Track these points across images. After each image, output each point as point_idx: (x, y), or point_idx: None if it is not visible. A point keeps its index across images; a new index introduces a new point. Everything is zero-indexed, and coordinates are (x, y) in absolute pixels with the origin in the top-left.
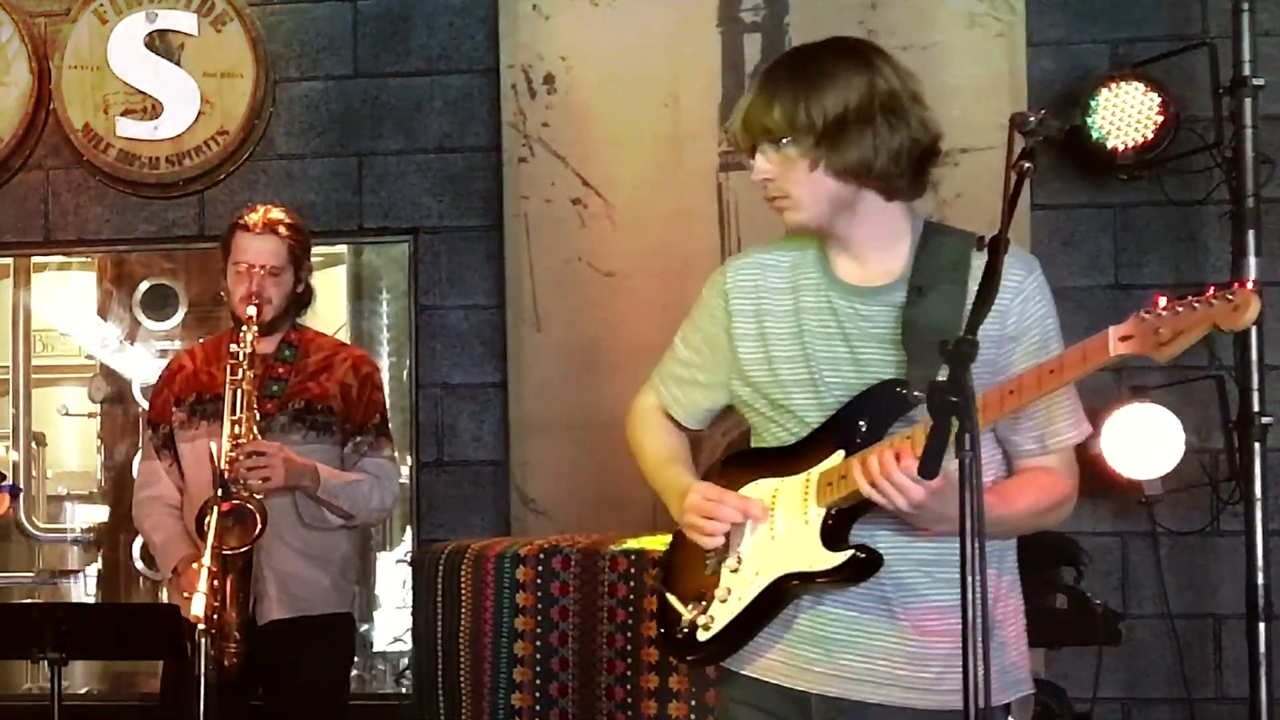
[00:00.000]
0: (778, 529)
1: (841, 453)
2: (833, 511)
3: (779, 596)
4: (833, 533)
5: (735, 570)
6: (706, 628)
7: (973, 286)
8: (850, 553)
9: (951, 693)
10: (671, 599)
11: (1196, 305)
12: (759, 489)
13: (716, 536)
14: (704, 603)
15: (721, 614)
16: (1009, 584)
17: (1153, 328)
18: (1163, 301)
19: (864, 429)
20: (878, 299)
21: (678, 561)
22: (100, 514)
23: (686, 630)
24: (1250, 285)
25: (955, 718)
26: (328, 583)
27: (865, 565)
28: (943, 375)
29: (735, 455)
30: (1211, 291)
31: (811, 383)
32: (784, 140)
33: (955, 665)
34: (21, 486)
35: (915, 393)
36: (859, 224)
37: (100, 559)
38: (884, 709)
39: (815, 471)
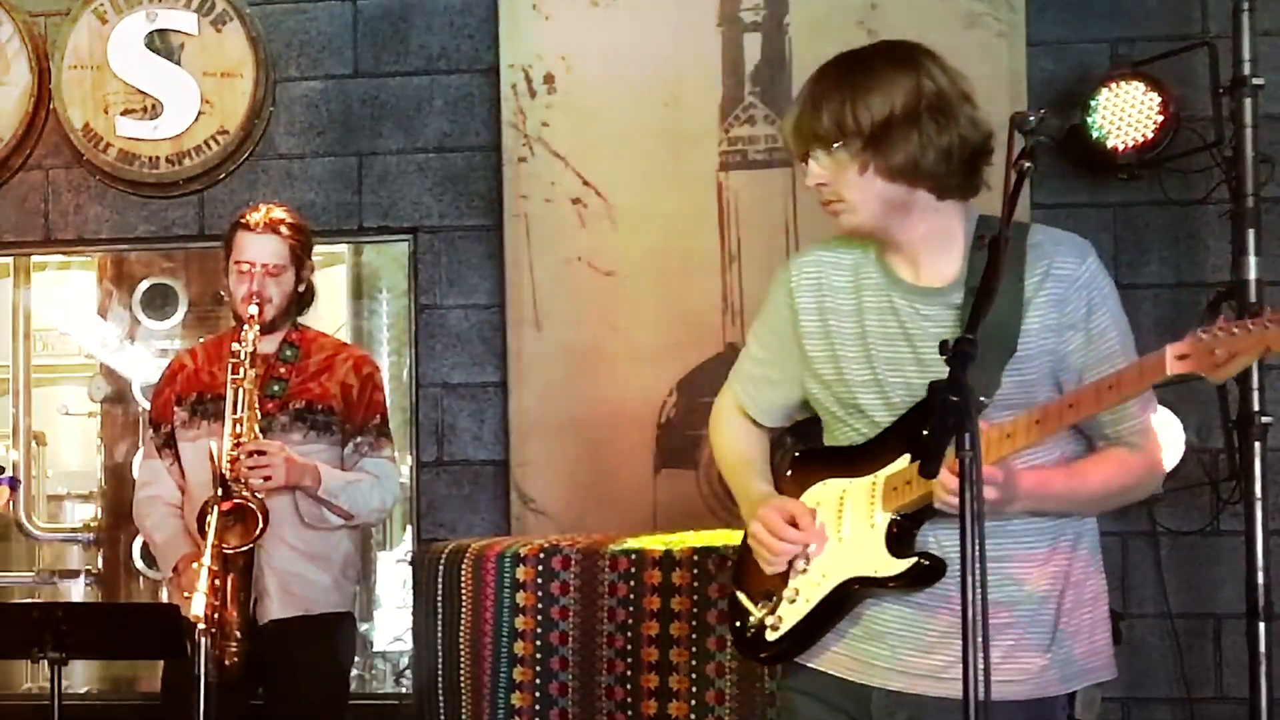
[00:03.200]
0: (844, 532)
1: (907, 457)
2: (898, 516)
3: (844, 599)
4: (898, 538)
5: (803, 572)
6: (775, 628)
7: (1029, 279)
8: (915, 560)
9: (1009, 683)
10: (742, 597)
11: (1252, 327)
12: (827, 489)
13: (779, 565)
14: (773, 602)
15: (789, 615)
16: (1082, 572)
17: (1209, 348)
18: (1220, 321)
19: (928, 434)
20: (937, 299)
21: (748, 561)
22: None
23: (755, 630)
24: None
25: (1012, 709)
26: (328, 582)
27: (929, 572)
28: (1005, 371)
29: (806, 453)
30: (1269, 314)
31: (876, 383)
32: (834, 145)
33: (1015, 656)
34: (20, 478)
35: (980, 397)
36: (913, 225)
37: (100, 559)
38: (942, 702)
39: (881, 475)
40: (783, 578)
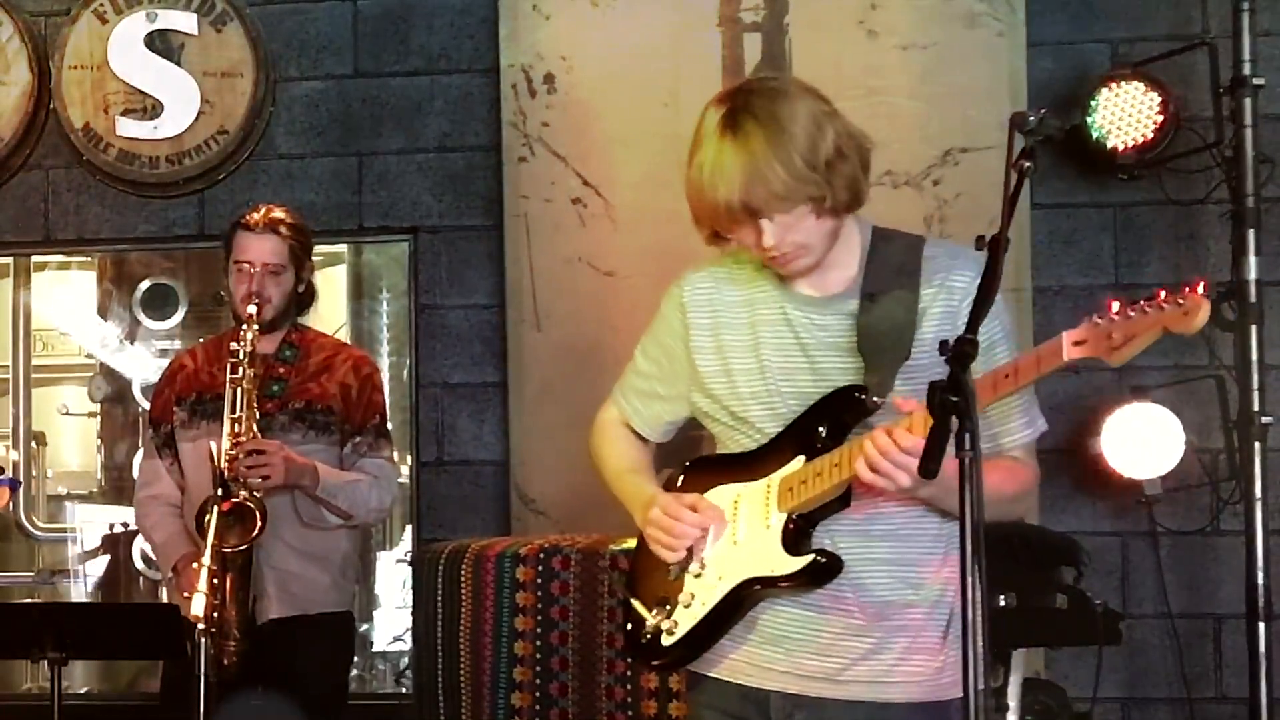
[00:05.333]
0: (740, 535)
1: (802, 458)
2: (794, 516)
3: (741, 601)
4: (794, 537)
5: (699, 575)
6: (670, 632)
7: (924, 290)
8: (811, 557)
9: (905, 684)
10: (636, 604)
11: (1148, 310)
12: (720, 495)
13: (679, 551)
14: (668, 607)
15: (685, 619)
16: None
17: (1105, 332)
18: (1116, 306)
19: (824, 434)
20: (832, 308)
21: (642, 567)
22: (101, 515)
23: (650, 635)
24: (1201, 289)
25: (908, 709)
26: (327, 581)
27: (826, 569)
28: (898, 377)
29: (697, 461)
30: (1163, 296)
31: (768, 394)
32: (803, 199)
33: (909, 659)
34: (20, 480)
35: (874, 398)
36: (836, 244)
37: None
38: (840, 704)
39: (776, 477)
40: (678, 583)
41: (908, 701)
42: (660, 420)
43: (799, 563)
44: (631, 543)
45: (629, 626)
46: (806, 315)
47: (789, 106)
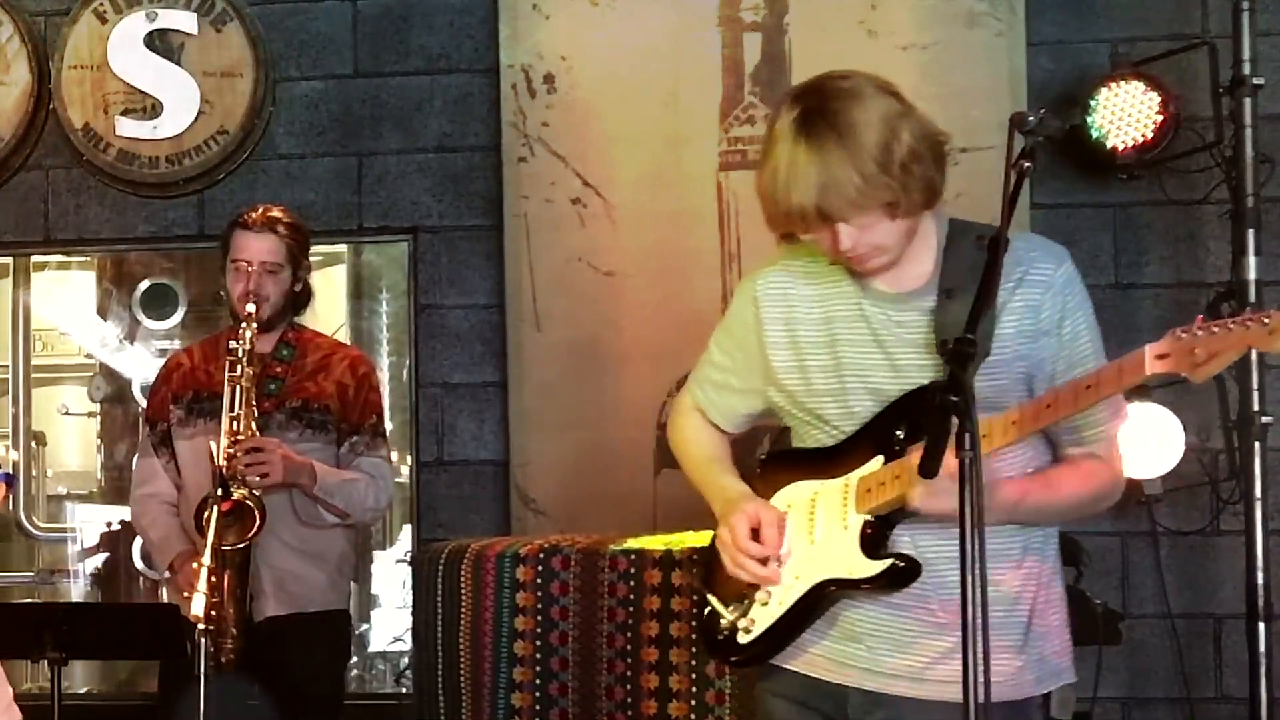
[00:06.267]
0: (817, 534)
1: (880, 459)
2: (872, 518)
3: (819, 601)
4: (872, 540)
5: None
6: (747, 630)
7: (1004, 284)
8: (890, 561)
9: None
10: (713, 600)
11: (1232, 327)
12: (798, 491)
13: (742, 575)
14: (745, 604)
15: (762, 617)
16: (1050, 572)
17: (1189, 347)
18: (1199, 320)
19: (902, 436)
20: (910, 304)
21: (719, 562)
22: (101, 514)
23: (726, 632)
24: None
25: (992, 710)
26: (324, 580)
27: (904, 574)
28: (979, 375)
29: (775, 455)
30: (1248, 314)
31: (845, 391)
32: (876, 204)
33: (992, 659)
34: (13, 475)
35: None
36: (913, 240)
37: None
38: (919, 703)
39: (854, 477)
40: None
41: (991, 701)
42: (735, 413)
43: (877, 567)
44: (630, 543)
45: (704, 623)
46: (884, 312)
47: (863, 110)
